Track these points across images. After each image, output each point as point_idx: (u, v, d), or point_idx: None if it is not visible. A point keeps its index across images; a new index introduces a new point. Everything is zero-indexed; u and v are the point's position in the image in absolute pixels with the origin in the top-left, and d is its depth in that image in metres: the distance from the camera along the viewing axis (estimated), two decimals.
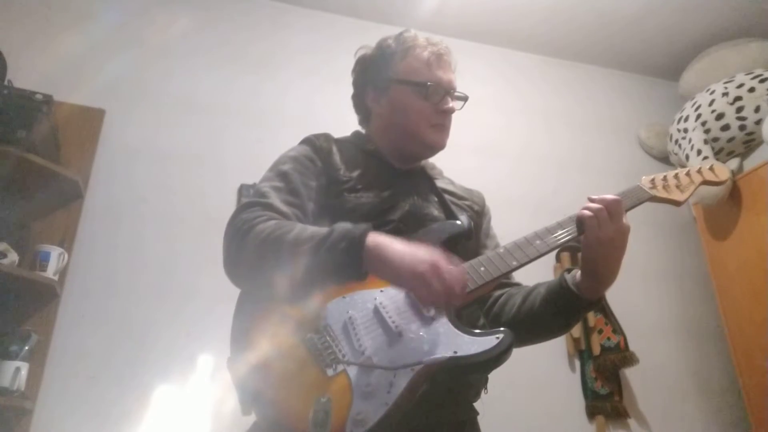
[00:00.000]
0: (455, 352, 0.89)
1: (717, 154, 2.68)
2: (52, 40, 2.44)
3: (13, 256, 1.93)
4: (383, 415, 0.84)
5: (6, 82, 2.07)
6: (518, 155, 2.91)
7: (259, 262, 0.99)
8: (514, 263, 1.05)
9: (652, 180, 1.22)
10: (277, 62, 2.74)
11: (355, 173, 1.19)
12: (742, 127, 2.62)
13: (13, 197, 2.04)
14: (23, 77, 2.15)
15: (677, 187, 1.22)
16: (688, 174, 1.25)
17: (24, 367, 1.84)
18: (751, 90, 2.61)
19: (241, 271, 1.03)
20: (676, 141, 2.88)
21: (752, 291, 2.43)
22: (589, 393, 2.47)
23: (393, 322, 0.94)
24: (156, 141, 2.41)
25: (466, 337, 0.92)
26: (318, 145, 1.22)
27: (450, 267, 0.91)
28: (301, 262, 0.94)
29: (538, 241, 1.08)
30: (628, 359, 2.45)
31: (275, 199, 1.08)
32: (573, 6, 2.89)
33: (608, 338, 2.51)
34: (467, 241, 1.14)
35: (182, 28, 2.65)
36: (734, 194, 2.56)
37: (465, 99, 1.29)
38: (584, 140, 3.07)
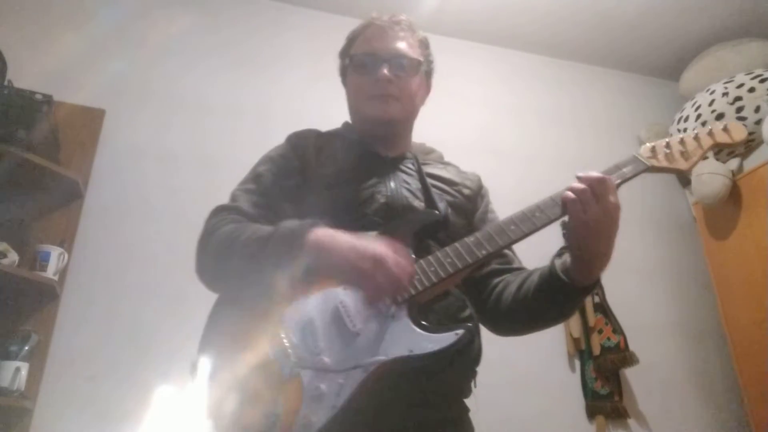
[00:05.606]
0: (411, 351, 0.88)
1: (717, 154, 2.68)
2: (52, 40, 2.44)
3: (13, 256, 1.93)
4: (329, 418, 0.83)
5: (6, 82, 2.07)
6: (517, 155, 2.91)
7: (218, 265, 1.02)
8: (483, 252, 0.98)
9: (653, 148, 1.10)
10: (278, 62, 2.73)
11: (334, 168, 1.16)
12: None
13: (13, 197, 2.04)
14: (23, 77, 2.15)
15: (682, 154, 1.09)
16: (696, 137, 1.11)
17: (24, 367, 1.85)
18: (751, 90, 2.61)
19: (207, 277, 1.06)
20: None
21: (752, 291, 2.43)
22: (589, 393, 2.47)
23: (351, 322, 0.92)
24: (156, 141, 2.41)
25: (424, 334, 0.90)
26: (295, 143, 1.21)
27: (397, 258, 0.91)
28: (249, 263, 0.96)
29: (512, 227, 1.00)
30: (628, 359, 2.44)
31: (243, 202, 1.10)
32: (573, 6, 2.89)
33: (608, 338, 2.50)
34: (444, 230, 1.10)
35: (182, 28, 2.65)
36: (734, 194, 2.56)
37: (417, 64, 1.22)
38: (584, 140, 3.06)
